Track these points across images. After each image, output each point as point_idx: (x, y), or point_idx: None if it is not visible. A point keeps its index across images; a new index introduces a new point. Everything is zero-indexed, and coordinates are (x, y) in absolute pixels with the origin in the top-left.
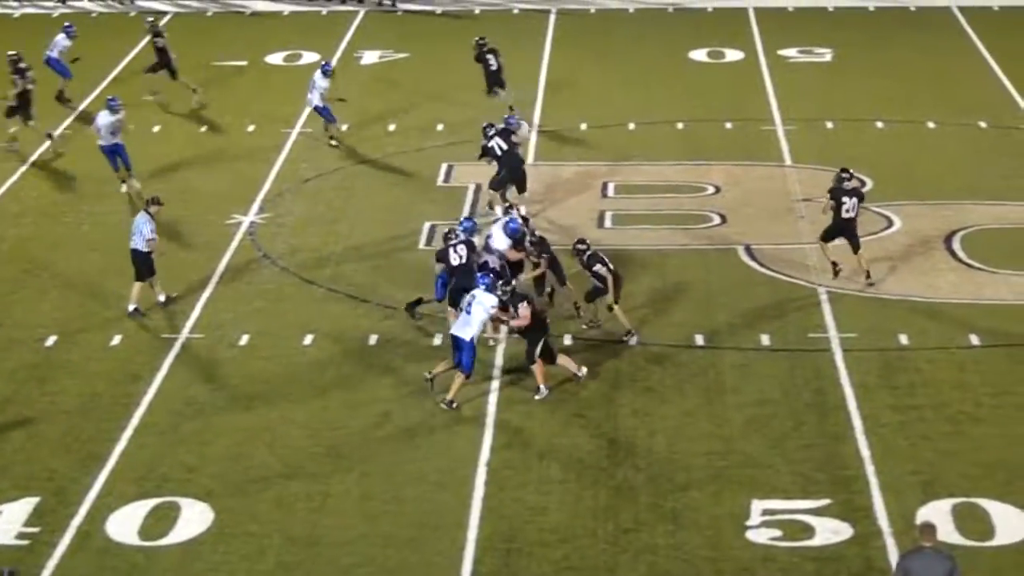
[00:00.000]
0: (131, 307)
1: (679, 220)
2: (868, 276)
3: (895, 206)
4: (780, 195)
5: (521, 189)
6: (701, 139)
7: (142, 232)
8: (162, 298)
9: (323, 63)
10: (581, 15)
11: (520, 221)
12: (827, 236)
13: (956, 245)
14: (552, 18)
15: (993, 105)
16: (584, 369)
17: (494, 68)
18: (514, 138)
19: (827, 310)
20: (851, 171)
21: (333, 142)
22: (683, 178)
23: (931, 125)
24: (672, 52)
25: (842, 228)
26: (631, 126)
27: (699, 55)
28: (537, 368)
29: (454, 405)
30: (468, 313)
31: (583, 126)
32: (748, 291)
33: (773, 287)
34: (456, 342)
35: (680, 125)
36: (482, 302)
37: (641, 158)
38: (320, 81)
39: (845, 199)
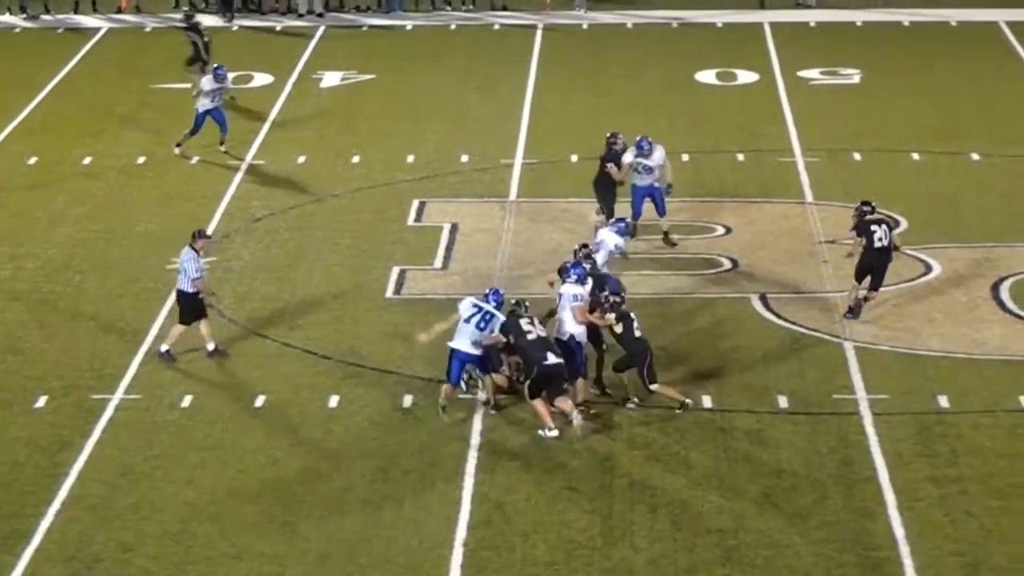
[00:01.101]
0: (164, 347)
1: (684, 265)
2: (850, 311)
3: (934, 249)
4: (800, 236)
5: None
6: (710, 173)
7: (186, 271)
8: (211, 346)
9: (216, 67)
10: (572, 31)
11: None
12: (860, 274)
13: (1004, 294)
14: (538, 35)
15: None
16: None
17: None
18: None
19: (854, 368)
20: (873, 204)
21: (223, 147)
22: (689, 217)
23: (975, 157)
24: (676, 73)
25: (875, 262)
26: (627, 158)
27: (707, 76)
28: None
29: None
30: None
31: (574, 158)
32: (763, 346)
33: (792, 342)
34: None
35: (685, 157)
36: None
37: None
38: (212, 84)
39: (875, 228)
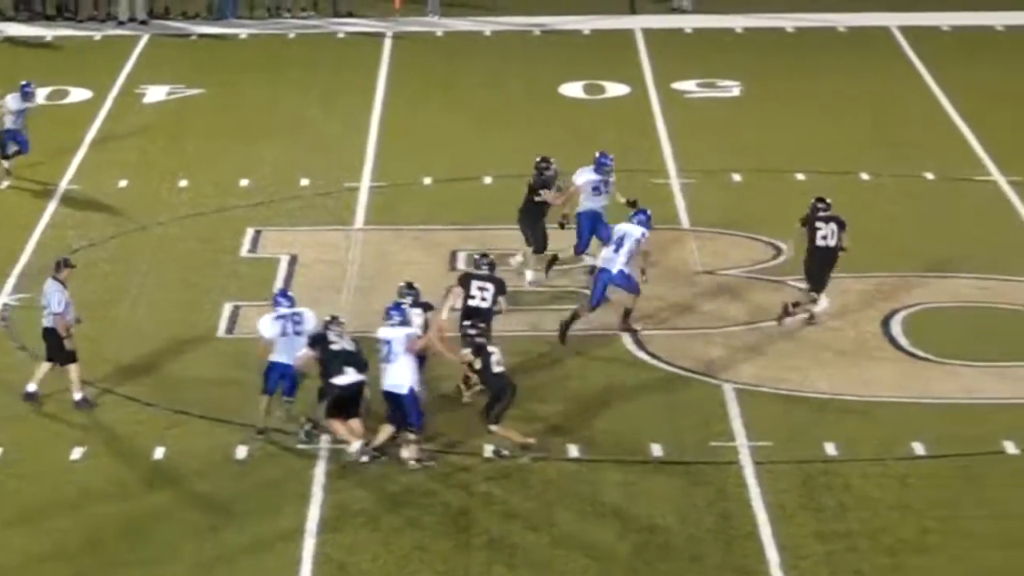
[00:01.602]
0: (30, 387)
1: (549, 299)
2: (789, 312)
3: None
4: (676, 267)
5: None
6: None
7: (49, 304)
8: (78, 396)
9: (23, 84)
10: (425, 40)
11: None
12: (811, 279)
13: (895, 328)
14: (387, 44)
15: (942, 151)
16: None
17: None
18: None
19: (735, 412)
20: (828, 200)
21: (6, 164)
22: (555, 245)
23: (865, 176)
24: (539, 86)
25: (818, 262)
26: (487, 180)
27: (573, 89)
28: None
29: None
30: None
31: (427, 180)
32: (635, 389)
33: (667, 384)
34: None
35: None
36: None
37: (501, 220)
38: (20, 103)
39: (820, 225)
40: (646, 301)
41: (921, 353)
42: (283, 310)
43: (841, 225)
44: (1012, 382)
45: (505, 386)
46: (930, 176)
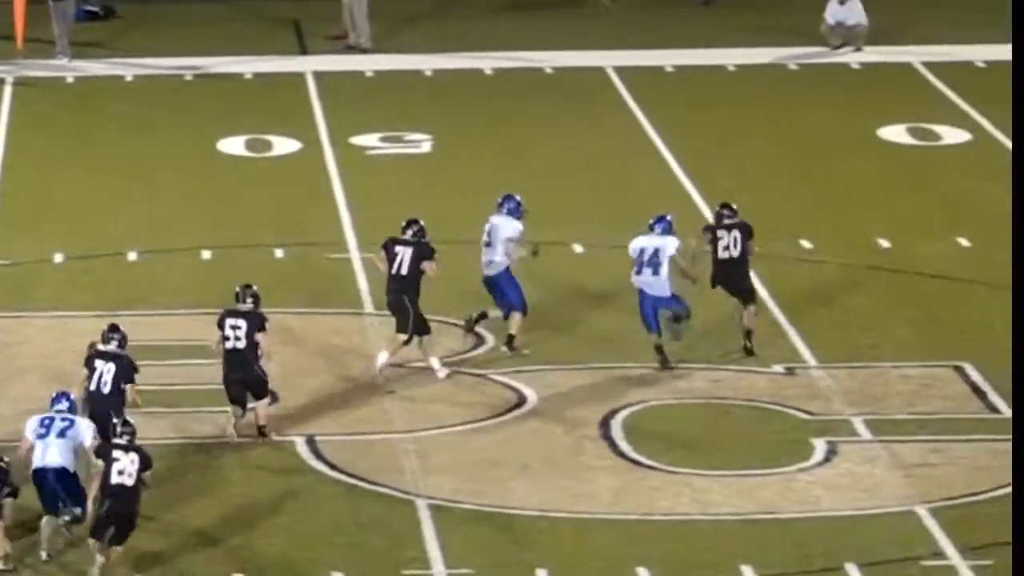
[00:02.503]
0: None
1: (206, 399)
2: (747, 342)
3: (529, 372)
4: (359, 359)
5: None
6: (239, 274)
7: None
8: None
9: None
10: (53, 87)
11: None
12: (732, 292)
13: (616, 431)
14: (7, 92)
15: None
16: None
17: None
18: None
19: (430, 533)
20: (734, 207)
21: None
22: (213, 334)
23: (579, 249)
24: (195, 140)
25: (722, 275)
26: (132, 256)
27: (233, 145)
28: None
29: None
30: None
31: (58, 257)
32: (311, 505)
33: (349, 499)
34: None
35: (206, 254)
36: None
37: (147, 305)
38: None
39: (722, 234)
40: (320, 399)
41: (645, 460)
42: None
43: (748, 234)
44: (749, 494)
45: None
46: None
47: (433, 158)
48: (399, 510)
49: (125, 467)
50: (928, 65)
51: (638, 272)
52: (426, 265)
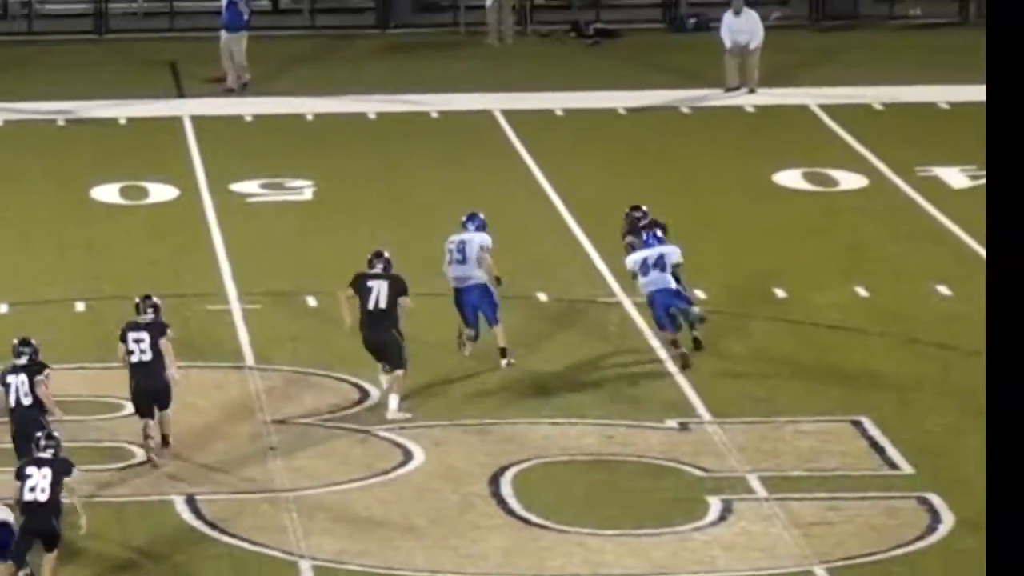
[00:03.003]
0: None
1: (86, 456)
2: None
3: (415, 428)
4: (240, 414)
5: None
6: (115, 327)
7: None
8: None
9: None
10: None
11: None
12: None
13: (506, 489)
14: None
15: (558, 266)
16: None
17: None
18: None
19: None
20: (644, 208)
21: None
22: (94, 390)
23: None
24: (68, 188)
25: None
26: (2, 308)
27: (107, 192)
28: None
29: None
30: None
31: None
32: (190, 566)
33: (230, 560)
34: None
35: (80, 306)
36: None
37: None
38: None
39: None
40: (200, 456)
41: (536, 518)
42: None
43: (664, 230)
44: (644, 554)
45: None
46: (543, 297)
47: (315, 205)
48: (282, 571)
49: (37, 483)
50: (825, 108)
51: (645, 274)
52: (404, 300)
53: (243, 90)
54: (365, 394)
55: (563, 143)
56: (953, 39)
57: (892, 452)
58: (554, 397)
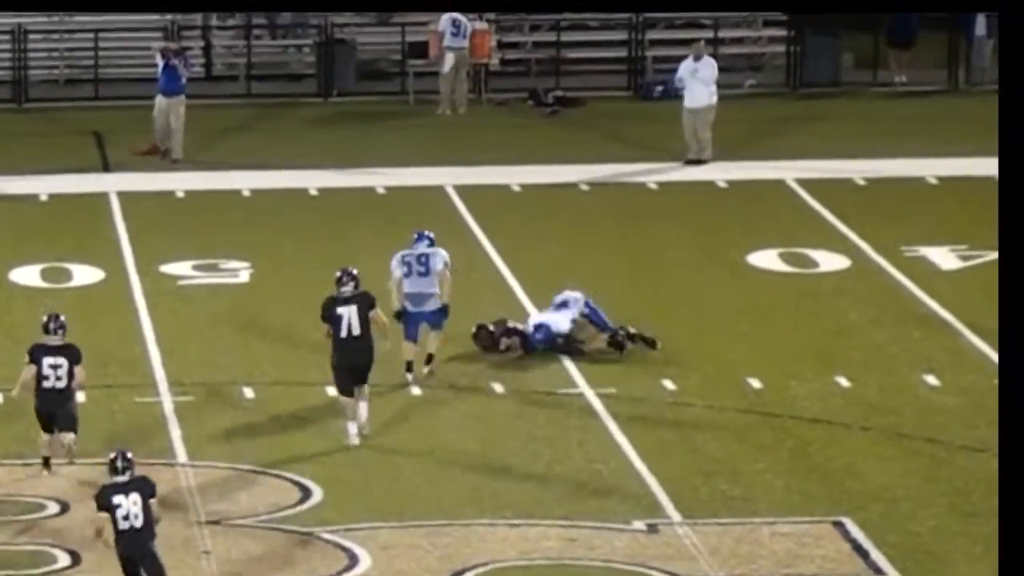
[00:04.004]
0: None
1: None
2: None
3: (361, 530)
4: (171, 515)
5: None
6: (34, 420)
7: None
8: None
9: None
10: None
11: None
12: None
13: None
14: None
15: (516, 358)
16: None
17: None
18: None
19: None
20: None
21: None
22: (9, 491)
23: (416, 392)
24: None
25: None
26: None
27: (26, 275)
28: None
29: None
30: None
31: None
32: None
33: None
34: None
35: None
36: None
37: None
38: None
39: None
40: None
41: None
42: None
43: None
44: None
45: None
46: (499, 388)
47: (252, 288)
48: None
49: (128, 510)
50: (802, 182)
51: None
52: (373, 314)
53: (175, 158)
54: (307, 492)
55: (518, 219)
56: (941, 107)
57: (876, 556)
58: (513, 494)
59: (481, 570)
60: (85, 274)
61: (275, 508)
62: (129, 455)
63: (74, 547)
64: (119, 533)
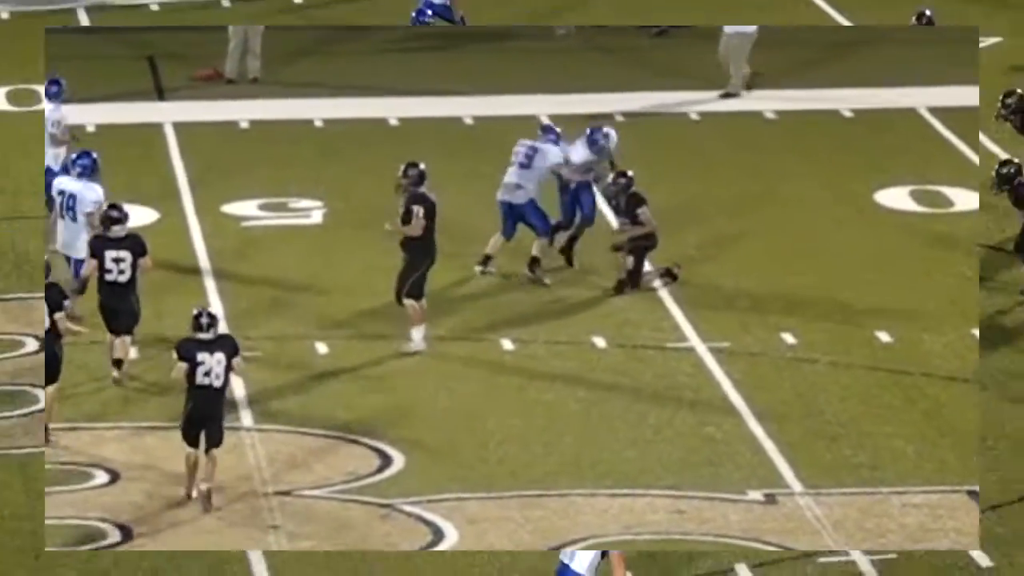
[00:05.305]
0: None
1: None
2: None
3: (446, 501)
4: (235, 485)
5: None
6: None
7: None
8: None
9: None
10: None
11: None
12: None
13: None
14: None
15: (626, 308)
16: None
17: None
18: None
19: None
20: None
21: None
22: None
23: (508, 346)
24: None
25: None
26: None
27: None
28: None
29: None
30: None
31: None
32: None
33: None
34: None
35: None
36: None
37: None
38: None
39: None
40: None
41: None
42: None
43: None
44: None
45: None
46: (600, 342)
47: (324, 230)
48: None
49: (211, 367)
50: (934, 111)
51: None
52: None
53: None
54: (387, 460)
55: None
56: None
57: None
58: (615, 461)
59: (580, 545)
60: (138, 214)
61: (351, 477)
62: (213, 312)
63: (125, 520)
64: (196, 388)
